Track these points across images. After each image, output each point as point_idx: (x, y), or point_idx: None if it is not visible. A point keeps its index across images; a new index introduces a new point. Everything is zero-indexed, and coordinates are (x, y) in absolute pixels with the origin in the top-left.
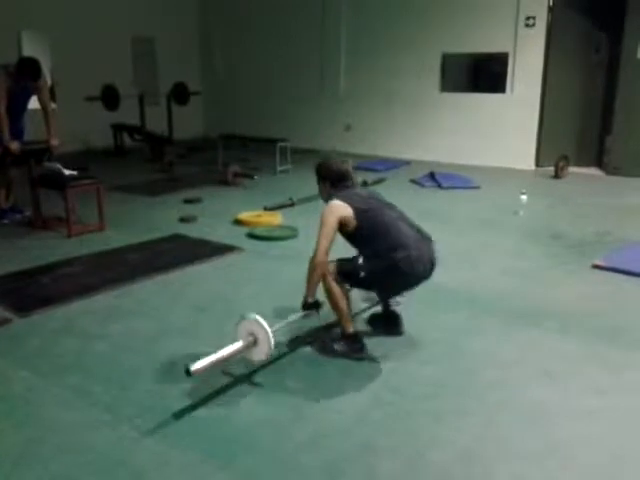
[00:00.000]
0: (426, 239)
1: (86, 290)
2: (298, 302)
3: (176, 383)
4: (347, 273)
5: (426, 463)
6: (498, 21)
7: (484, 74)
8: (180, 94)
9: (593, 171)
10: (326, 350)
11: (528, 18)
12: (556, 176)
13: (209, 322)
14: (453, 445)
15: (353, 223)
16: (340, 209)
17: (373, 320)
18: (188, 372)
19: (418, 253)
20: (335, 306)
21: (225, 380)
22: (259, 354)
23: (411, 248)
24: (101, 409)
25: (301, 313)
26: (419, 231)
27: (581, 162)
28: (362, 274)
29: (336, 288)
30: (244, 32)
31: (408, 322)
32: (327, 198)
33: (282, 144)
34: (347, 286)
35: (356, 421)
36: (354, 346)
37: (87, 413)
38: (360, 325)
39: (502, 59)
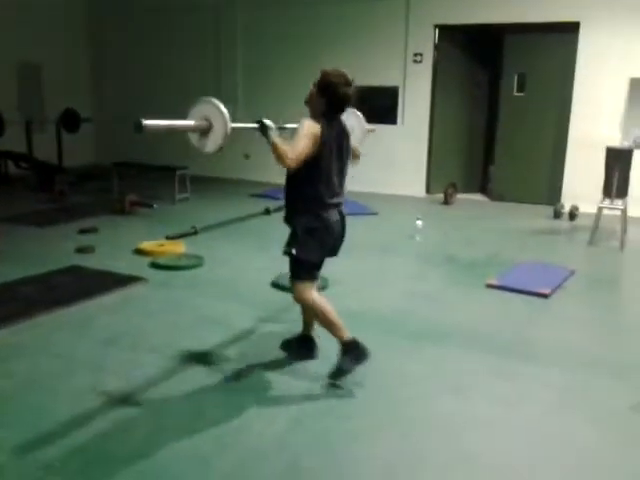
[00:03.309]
0: (342, 197)
1: None
2: (210, 332)
3: (89, 420)
4: (294, 267)
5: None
6: (389, 56)
7: (377, 106)
8: (70, 121)
9: (478, 197)
10: (340, 373)
11: (416, 55)
12: (445, 202)
13: (118, 355)
14: (375, 461)
15: (312, 153)
16: (316, 129)
17: (287, 346)
18: (139, 126)
19: (332, 207)
20: (325, 321)
21: (141, 413)
22: (212, 142)
23: (328, 203)
24: (6, 452)
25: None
26: (342, 188)
27: (467, 189)
28: (294, 251)
29: (320, 303)
30: (137, 58)
31: (320, 345)
32: (312, 109)
33: (181, 172)
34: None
35: (277, 445)
36: (358, 352)
37: None
38: (273, 350)
39: (393, 92)
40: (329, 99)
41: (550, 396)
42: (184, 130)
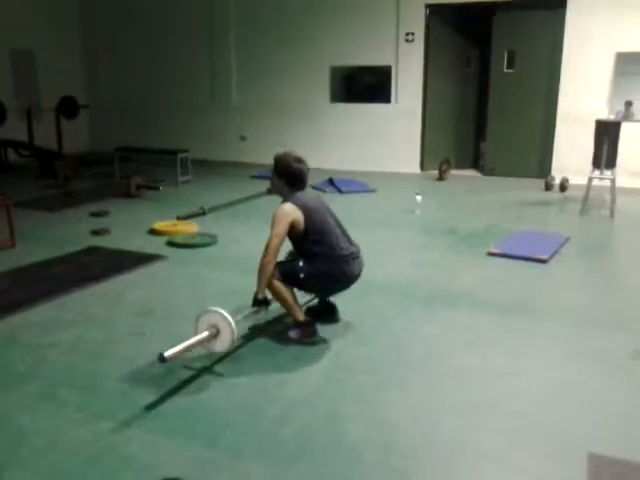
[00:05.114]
0: (355, 246)
1: (20, 304)
2: (232, 302)
3: (141, 380)
4: (287, 275)
5: (386, 423)
6: (381, 37)
7: (371, 85)
8: (68, 108)
9: (471, 173)
10: (281, 338)
11: (408, 34)
12: (440, 178)
13: (155, 324)
14: (403, 406)
15: (302, 226)
16: (292, 213)
17: (310, 312)
18: (163, 358)
19: (352, 259)
20: (282, 301)
21: (189, 373)
22: (222, 344)
23: (346, 254)
24: (73, 409)
25: (252, 309)
26: (349, 238)
27: (460, 165)
28: (301, 276)
29: (280, 285)
30: (131, 43)
31: (341, 310)
32: (279, 193)
33: (182, 155)
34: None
35: (317, 395)
36: (307, 331)
37: (60, 414)
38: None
39: (386, 72)
40: (287, 178)
41: (554, 348)
42: (200, 344)
